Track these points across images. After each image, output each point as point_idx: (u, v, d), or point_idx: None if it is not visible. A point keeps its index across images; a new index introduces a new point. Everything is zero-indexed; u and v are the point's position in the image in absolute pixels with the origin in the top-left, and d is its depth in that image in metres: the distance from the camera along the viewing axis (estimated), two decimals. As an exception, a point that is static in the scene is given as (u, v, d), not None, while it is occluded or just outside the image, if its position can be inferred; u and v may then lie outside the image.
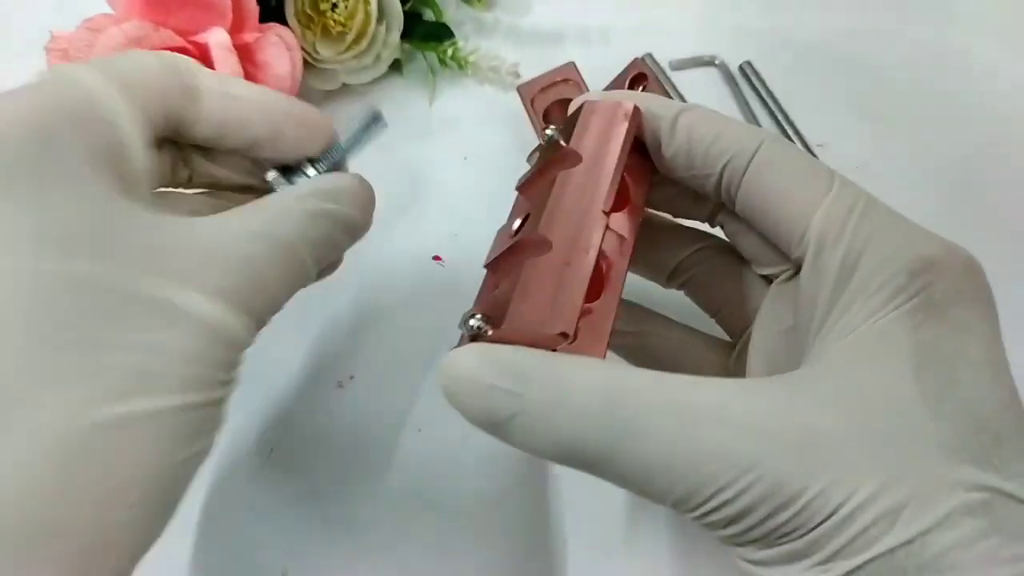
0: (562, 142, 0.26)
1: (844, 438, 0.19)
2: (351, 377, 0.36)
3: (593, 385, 0.19)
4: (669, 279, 0.31)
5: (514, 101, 0.45)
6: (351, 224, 0.26)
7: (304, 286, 0.24)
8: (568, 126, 0.26)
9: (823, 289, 0.22)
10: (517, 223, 0.25)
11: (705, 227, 0.30)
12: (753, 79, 0.47)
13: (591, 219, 0.23)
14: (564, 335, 0.21)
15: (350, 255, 0.39)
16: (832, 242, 0.22)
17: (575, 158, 0.25)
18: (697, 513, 0.19)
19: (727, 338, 0.30)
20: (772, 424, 0.19)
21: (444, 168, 0.43)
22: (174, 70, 0.23)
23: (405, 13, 0.45)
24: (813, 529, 0.18)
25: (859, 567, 0.18)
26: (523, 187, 0.27)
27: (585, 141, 0.25)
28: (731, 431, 0.19)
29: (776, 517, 0.19)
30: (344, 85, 0.46)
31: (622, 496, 0.33)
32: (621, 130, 0.25)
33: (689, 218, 0.30)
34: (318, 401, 0.35)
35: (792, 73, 0.47)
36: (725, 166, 0.25)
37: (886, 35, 0.49)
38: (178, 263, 0.20)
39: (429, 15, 0.47)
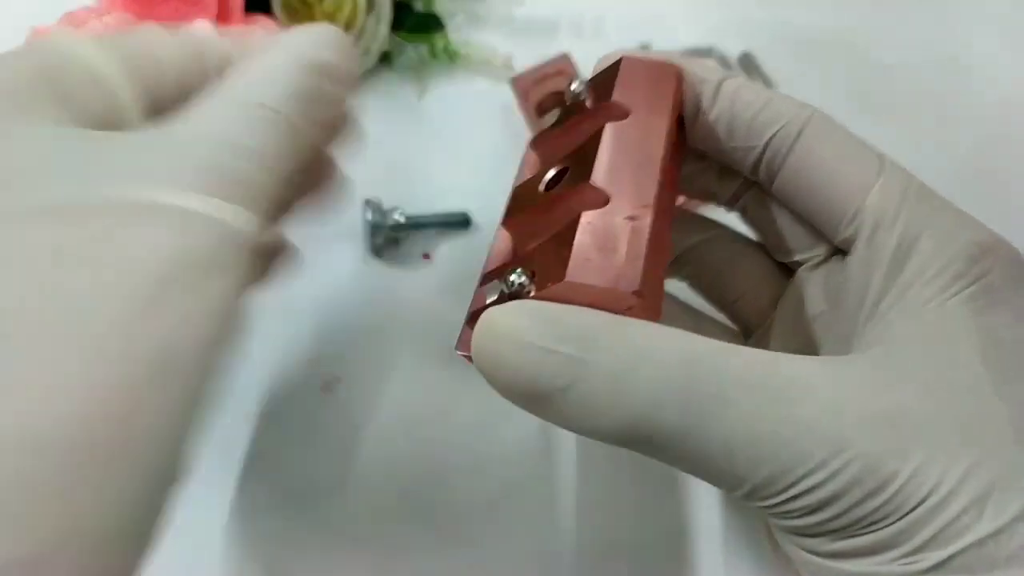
0: (588, 101, 0.24)
1: (931, 417, 0.18)
2: (338, 380, 0.35)
3: (671, 353, 0.17)
4: (673, 268, 0.29)
5: (507, 94, 0.44)
6: (331, 68, 0.22)
7: (309, 155, 0.21)
8: (602, 82, 0.24)
9: (877, 271, 0.21)
10: (551, 174, 0.23)
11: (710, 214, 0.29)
12: (752, 71, 0.46)
13: (648, 176, 0.21)
14: (639, 294, 0.18)
15: (338, 253, 0.39)
16: (889, 223, 0.21)
17: (621, 112, 0.23)
18: (780, 499, 0.18)
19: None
20: (863, 401, 0.18)
21: (435, 162, 0.43)
22: (194, 54, 0.22)
23: (395, 4, 0.44)
24: (905, 516, 0.17)
25: (950, 558, 0.17)
26: (540, 142, 0.25)
27: (632, 96, 0.23)
28: (822, 407, 0.17)
29: (868, 502, 0.17)
30: (333, 78, 0.45)
31: (620, 505, 0.33)
32: (670, 88, 0.23)
33: (707, 200, 0.28)
34: (303, 403, 0.35)
35: (791, 65, 0.46)
36: (772, 137, 0.23)
37: (886, 28, 0.48)
38: (151, 165, 0.18)
39: (419, 6, 0.46)
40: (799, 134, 0.23)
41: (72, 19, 0.38)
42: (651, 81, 0.23)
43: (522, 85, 0.44)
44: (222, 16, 0.39)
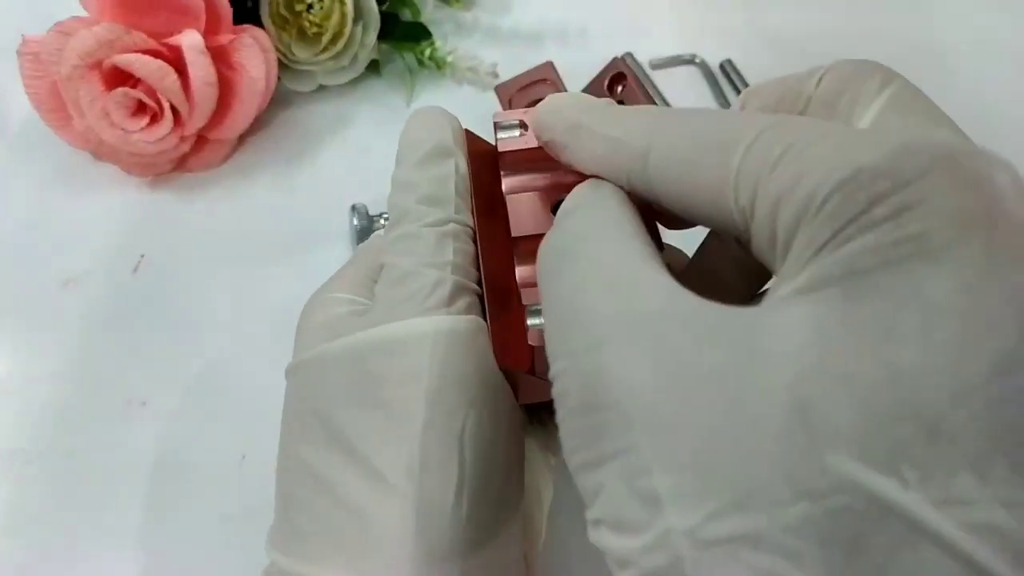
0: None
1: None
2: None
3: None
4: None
5: (493, 101, 0.45)
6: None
7: None
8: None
9: (765, 259, 0.17)
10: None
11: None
12: (734, 77, 0.47)
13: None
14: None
15: (325, 257, 0.39)
16: (756, 208, 0.16)
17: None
18: None
19: None
20: None
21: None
22: None
23: (382, 13, 0.44)
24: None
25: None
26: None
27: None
28: None
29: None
30: (321, 87, 0.45)
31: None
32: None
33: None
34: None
35: (773, 71, 0.46)
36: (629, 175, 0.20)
37: (867, 33, 0.49)
38: None
39: (407, 15, 0.47)
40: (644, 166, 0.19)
41: (63, 29, 0.38)
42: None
43: (506, 93, 0.44)
44: (211, 26, 0.40)
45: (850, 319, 0.14)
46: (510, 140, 0.26)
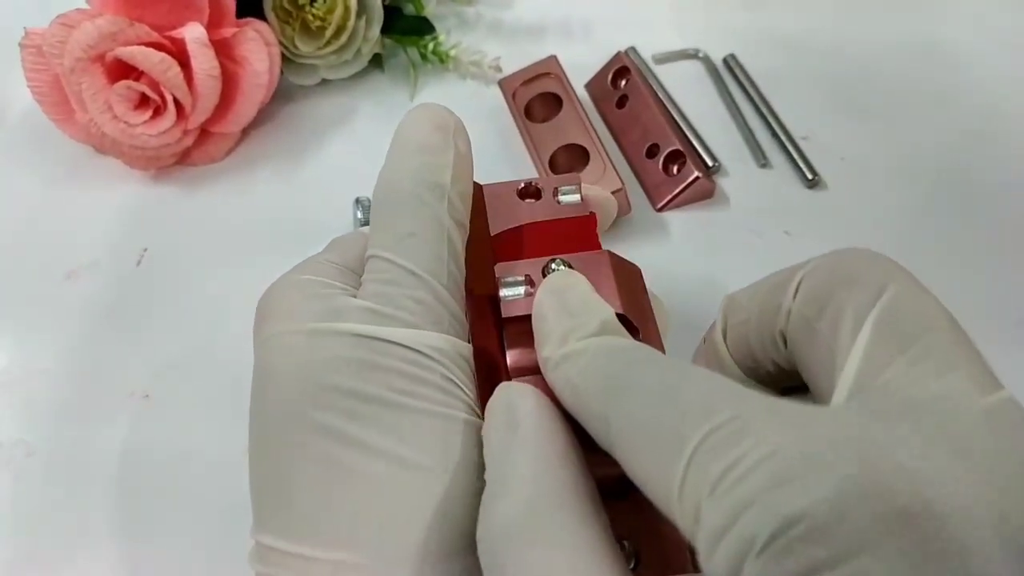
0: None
1: None
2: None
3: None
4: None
5: (496, 95, 0.44)
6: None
7: None
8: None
9: None
10: None
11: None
12: (737, 72, 0.47)
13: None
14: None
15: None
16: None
17: None
18: None
19: None
20: None
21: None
22: None
23: (385, 7, 0.44)
24: None
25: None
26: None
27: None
28: None
29: None
30: (324, 80, 0.45)
31: None
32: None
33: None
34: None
35: (776, 66, 0.47)
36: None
37: (869, 28, 0.49)
38: None
39: (410, 9, 0.47)
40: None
41: (65, 21, 0.38)
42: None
43: (510, 87, 0.44)
44: (214, 19, 0.40)
45: None
46: (515, 302, 0.23)
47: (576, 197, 0.27)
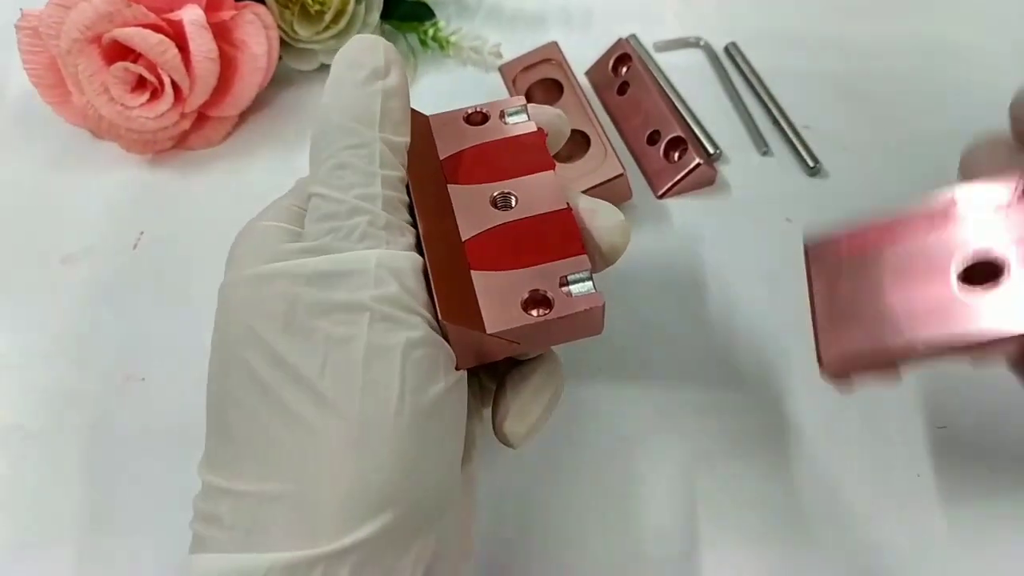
0: None
1: None
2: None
3: None
4: None
5: (496, 82, 0.44)
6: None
7: None
8: None
9: None
10: None
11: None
12: (738, 60, 0.46)
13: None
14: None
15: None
16: None
17: None
18: None
19: None
20: None
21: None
22: None
23: (385, -7, 0.44)
24: None
25: None
26: None
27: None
28: None
29: None
30: (323, 65, 0.45)
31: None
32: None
33: None
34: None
35: (777, 54, 0.47)
36: None
37: (870, 17, 0.49)
38: None
39: (410, -5, 0.47)
40: None
41: (61, 2, 0.38)
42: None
43: (510, 73, 0.44)
44: (212, 2, 0.40)
45: None
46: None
47: (523, 117, 0.28)
